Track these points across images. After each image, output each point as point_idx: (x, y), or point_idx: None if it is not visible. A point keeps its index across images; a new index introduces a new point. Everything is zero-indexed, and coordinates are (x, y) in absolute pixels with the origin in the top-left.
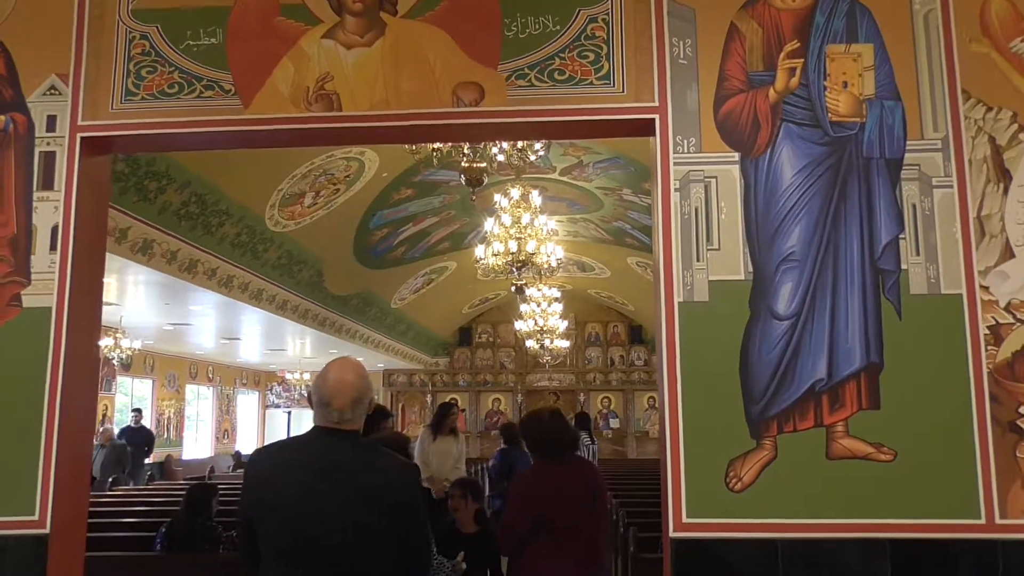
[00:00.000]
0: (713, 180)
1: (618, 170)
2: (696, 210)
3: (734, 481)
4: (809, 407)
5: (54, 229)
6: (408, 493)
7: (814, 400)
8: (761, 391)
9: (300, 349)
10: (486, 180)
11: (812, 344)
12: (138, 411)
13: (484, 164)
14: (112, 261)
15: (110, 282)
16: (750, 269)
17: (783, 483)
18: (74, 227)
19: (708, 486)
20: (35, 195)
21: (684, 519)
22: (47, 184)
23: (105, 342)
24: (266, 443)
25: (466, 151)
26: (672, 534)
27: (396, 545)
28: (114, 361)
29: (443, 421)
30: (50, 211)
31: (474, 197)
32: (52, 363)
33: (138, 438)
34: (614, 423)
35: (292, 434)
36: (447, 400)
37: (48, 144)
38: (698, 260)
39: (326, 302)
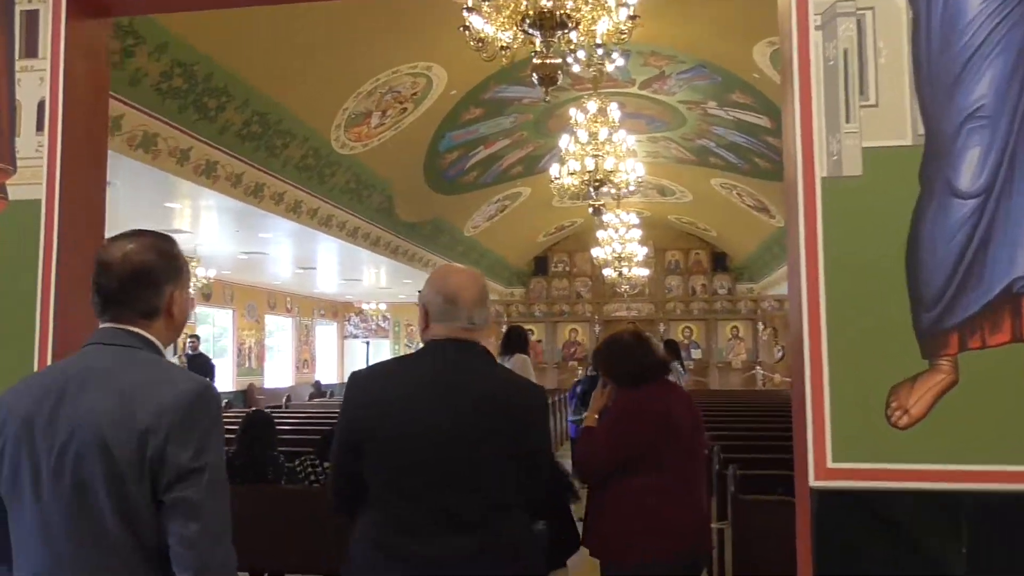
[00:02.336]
0: (869, 12)
1: (703, 80)
2: (845, 53)
3: (898, 414)
4: (1004, 314)
5: (40, 105)
6: (541, 413)
7: (1011, 305)
8: (936, 294)
9: (375, 279)
10: (560, 79)
11: (1009, 229)
12: (195, 337)
13: (559, 60)
14: (181, 186)
15: (176, 207)
16: (920, 131)
17: (966, 417)
18: (63, 103)
19: (862, 421)
20: (16, 64)
21: (829, 463)
22: (30, 51)
23: None
24: (357, 368)
25: (538, 47)
26: (813, 483)
27: (521, 465)
28: (191, 290)
29: (517, 344)
30: (35, 83)
31: (547, 99)
32: (44, 267)
33: (195, 366)
34: (696, 354)
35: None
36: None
37: (30, 1)
38: (848, 121)
39: (397, 229)
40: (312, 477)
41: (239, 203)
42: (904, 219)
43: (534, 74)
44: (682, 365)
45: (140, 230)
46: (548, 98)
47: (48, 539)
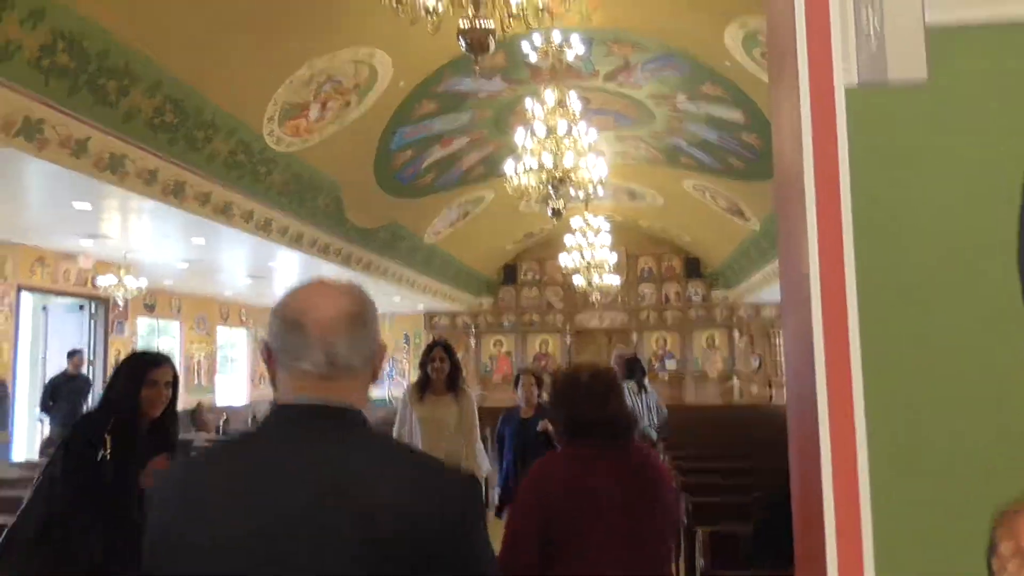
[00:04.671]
0: None
1: (671, 71)
2: None
3: (1013, 567)
4: None
5: None
6: (464, 527)
7: None
8: None
9: None
10: (492, 45)
11: None
12: (76, 353)
13: (492, 23)
14: (87, 184)
15: (87, 207)
16: None
17: None
18: None
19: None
20: None
21: None
22: None
23: (107, 280)
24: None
25: (466, 4)
26: None
27: None
28: (118, 300)
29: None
30: None
31: (477, 67)
32: None
33: (69, 392)
34: (671, 364)
35: None
36: (492, 343)
37: None
38: None
39: (349, 235)
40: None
41: (158, 203)
42: (1017, 169)
43: (461, 39)
44: (642, 387)
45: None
46: (477, 68)
47: None
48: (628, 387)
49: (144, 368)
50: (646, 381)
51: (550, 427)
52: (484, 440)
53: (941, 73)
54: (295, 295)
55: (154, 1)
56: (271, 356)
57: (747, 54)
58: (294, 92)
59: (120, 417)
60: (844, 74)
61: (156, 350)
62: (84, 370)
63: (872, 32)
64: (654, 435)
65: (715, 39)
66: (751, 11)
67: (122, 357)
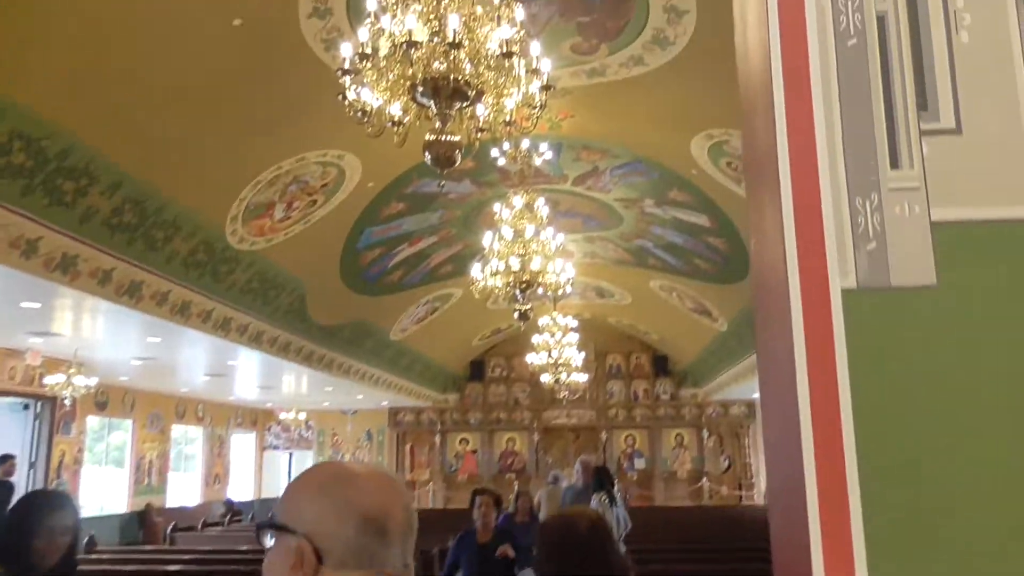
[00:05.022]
0: None
1: (639, 176)
2: (881, 23)
3: None
4: None
5: None
6: None
7: None
8: None
9: (295, 386)
10: (459, 159)
11: None
12: (7, 459)
13: (458, 137)
14: (37, 284)
15: (36, 306)
16: None
17: None
18: None
19: None
20: None
21: None
22: None
23: (55, 379)
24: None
25: (433, 120)
26: None
27: None
28: (66, 400)
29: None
30: None
31: (442, 184)
32: None
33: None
34: (639, 464)
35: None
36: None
37: None
38: (896, 164)
39: (311, 333)
40: None
41: (110, 303)
42: None
43: (426, 153)
44: (612, 498)
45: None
46: (443, 184)
47: None
48: (599, 499)
49: (38, 514)
50: (616, 491)
51: (510, 552)
52: (431, 562)
53: (948, 275)
54: (361, 490)
55: (121, 103)
56: (319, 555)
57: (714, 164)
58: (260, 193)
59: (9, 570)
60: (836, 276)
61: (58, 488)
62: (24, 474)
63: (868, 229)
64: (623, 548)
65: (682, 148)
66: (717, 123)
67: (65, 460)
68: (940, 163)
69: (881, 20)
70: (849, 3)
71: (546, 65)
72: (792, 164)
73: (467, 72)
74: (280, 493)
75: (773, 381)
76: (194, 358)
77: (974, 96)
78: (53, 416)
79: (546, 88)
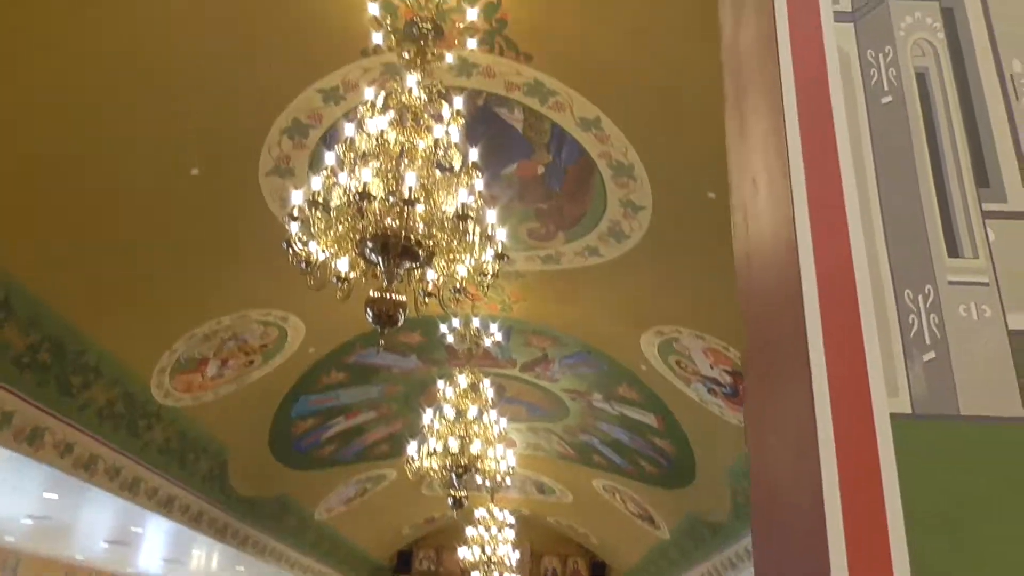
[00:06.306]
0: None
1: (588, 368)
2: (923, 79)
3: None
4: None
5: None
6: None
7: None
8: None
9: (204, 562)
10: (401, 319)
11: None
12: None
13: (403, 297)
14: None
15: None
16: None
17: None
18: None
19: None
20: None
21: None
22: None
23: None
24: None
25: (380, 278)
26: None
27: None
28: None
29: None
30: None
31: (381, 344)
32: None
33: None
34: None
35: None
36: None
37: None
38: (955, 252)
39: (229, 504)
40: None
41: (5, 450)
42: None
43: (368, 310)
44: None
45: None
46: (382, 343)
47: None
48: None
49: None
50: None
51: None
52: None
53: None
54: None
55: (49, 237)
56: None
57: (663, 360)
58: (194, 346)
59: None
60: (882, 399)
61: None
62: None
63: (923, 335)
64: None
65: (631, 342)
66: (668, 320)
67: None
68: (1013, 254)
69: (921, 78)
70: (881, 56)
71: (501, 234)
72: (813, 242)
73: (420, 231)
74: None
75: None
76: (96, 521)
77: None
78: None
79: (500, 257)
